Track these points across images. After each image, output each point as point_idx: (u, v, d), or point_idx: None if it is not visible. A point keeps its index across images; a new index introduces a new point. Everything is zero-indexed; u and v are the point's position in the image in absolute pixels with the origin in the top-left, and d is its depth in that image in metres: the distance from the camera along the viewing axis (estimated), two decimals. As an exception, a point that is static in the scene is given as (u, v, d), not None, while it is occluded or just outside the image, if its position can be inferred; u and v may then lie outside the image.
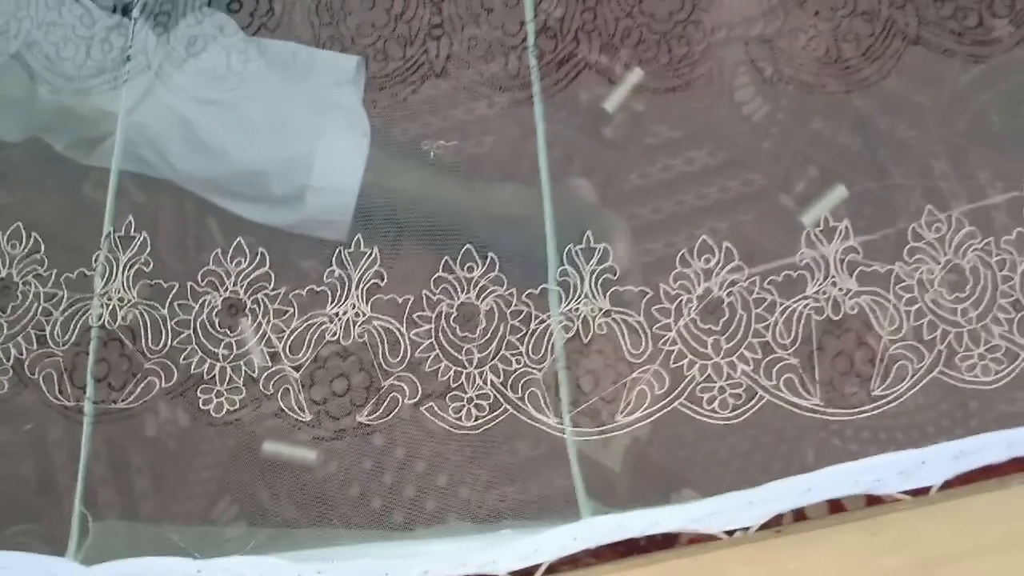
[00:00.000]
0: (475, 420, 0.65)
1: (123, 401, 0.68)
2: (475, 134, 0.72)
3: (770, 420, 0.62)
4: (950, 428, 0.61)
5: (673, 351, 0.64)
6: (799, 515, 0.59)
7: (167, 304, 0.70)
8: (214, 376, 0.68)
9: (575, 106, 0.71)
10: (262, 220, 0.73)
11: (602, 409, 0.64)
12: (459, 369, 0.65)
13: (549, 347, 0.65)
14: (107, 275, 0.71)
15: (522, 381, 0.65)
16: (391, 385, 0.66)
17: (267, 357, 0.68)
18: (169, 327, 0.69)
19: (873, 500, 0.58)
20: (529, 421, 0.64)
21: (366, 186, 0.71)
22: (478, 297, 0.67)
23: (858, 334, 0.62)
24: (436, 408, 0.65)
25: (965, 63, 0.67)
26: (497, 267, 0.67)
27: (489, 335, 0.66)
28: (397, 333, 0.67)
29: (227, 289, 0.70)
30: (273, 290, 0.69)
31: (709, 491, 0.60)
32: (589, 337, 0.65)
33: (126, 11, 0.77)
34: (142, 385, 0.68)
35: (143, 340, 0.69)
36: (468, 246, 0.68)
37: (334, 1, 0.74)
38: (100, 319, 0.70)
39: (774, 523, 0.58)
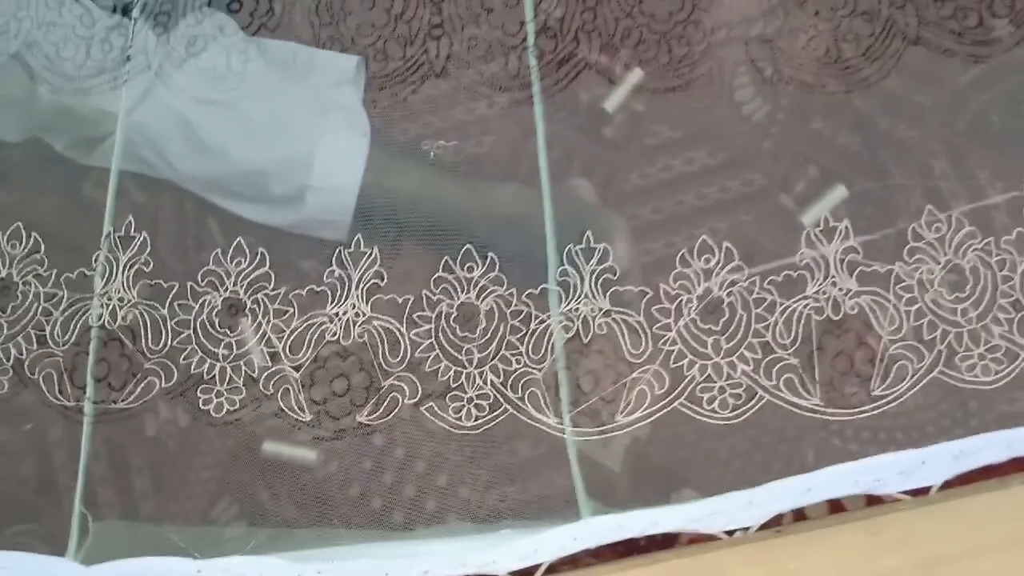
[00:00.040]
0: (475, 420, 0.65)
1: (123, 401, 0.68)
2: (475, 134, 0.72)
3: (770, 420, 0.62)
4: (950, 428, 0.61)
5: (673, 351, 0.64)
6: (799, 515, 0.59)
7: (167, 304, 0.70)
8: (214, 376, 0.68)
9: (575, 106, 0.71)
10: (262, 220, 0.73)
11: (602, 409, 0.64)
12: (459, 369, 0.65)
13: (549, 347, 0.65)
14: (107, 275, 0.71)
15: (522, 381, 0.65)
16: (391, 385, 0.66)
17: (267, 357, 0.68)
18: (169, 327, 0.69)
19: (873, 500, 0.58)
20: (529, 421, 0.64)
21: (366, 186, 0.71)
22: (478, 297, 0.67)
23: (858, 334, 0.62)
24: (436, 408, 0.65)
25: (965, 63, 0.67)
26: (497, 267, 0.67)
27: (489, 335, 0.66)
28: (397, 333, 0.67)
29: (227, 289, 0.70)
30: (273, 290, 0.69)
31: (709, 491, 0.60)
32: (589, 337, 0.65)
33: (126, 11, 0.77)
34: (142, 385, 0.68)
35: (143, 340, 0.69)
36: (468, 246, 0.67)
37: (334, 1, 0.74)
38: (100, 319, 0.70)
39: (774, 523, 0.58)
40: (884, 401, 0.61)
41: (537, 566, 0.59)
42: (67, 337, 0.70)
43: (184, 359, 0.68)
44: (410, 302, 0.67)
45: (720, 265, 0.65)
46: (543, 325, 0.65)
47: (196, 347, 0.69)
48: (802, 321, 0.63)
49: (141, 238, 0.72)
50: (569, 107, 0.71)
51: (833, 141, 0.68)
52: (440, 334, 0.66)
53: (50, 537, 0.67)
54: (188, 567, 0.61)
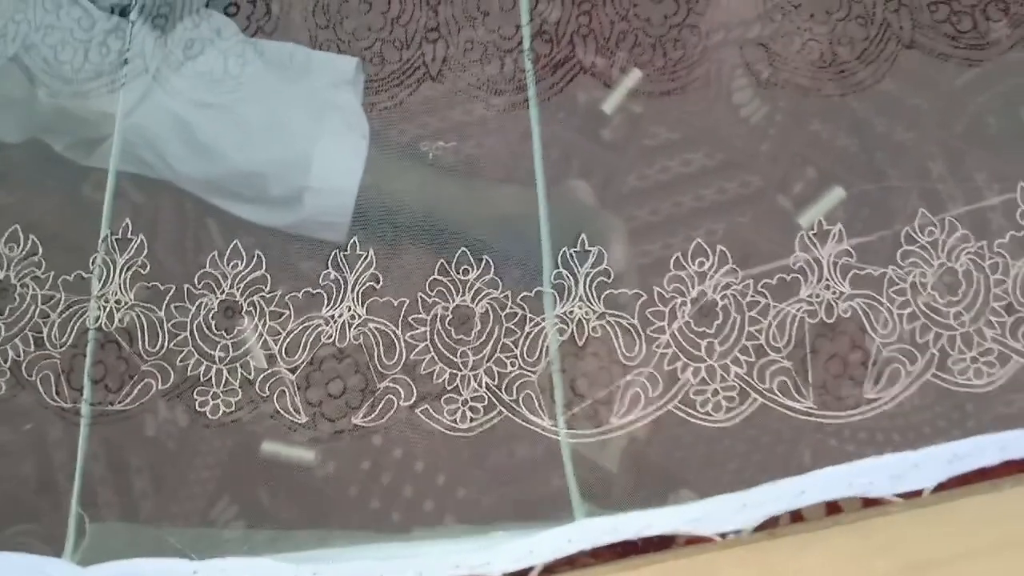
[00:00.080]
0: (470, 422, 0.65)
1: (120, 403, 0.68)
2: (473, 135, 0.72)
3: (766, 421, 0.62)
4: (947, 429, 0.61)
5: (667, 354, 0.64)
6: (795, 516, 0.59)
7: (164, 306, 0.70)
8: (210, 378, 0.68)
9: (573, 108, 0.71)
10: (261, 221, 0.73)
11: (596, 411, 0.64)
12: (454, 371, 0.66)
13: (544, 350, 0.65)
14: (104, 277, 0.71)
15: (517, 383, 0.65)
16: (387, 387, 0.66)
17: (265, 359, 0.68)
18: (166, 329, 0.69)
19: (869, 502, 0.58)
20: (523, 423, 0.64)
21: (364, 188, 0.71)
22: (473, 300, 0.67)
23: (851, 337, 0.62)
24: (431, 410, 0.65)
25: (960, 66, 0.67)
26: (492, 270, 0.67)
27: (484, 338, 0.66)
28: (393, 335, 0.67)
29: (224, 291, 0.70)
30: (269, 292, 0.69)
31: (707, 492, 0.60)
32: (584, 340, 0.65)
33: (124, 13, 0.77)
34: (139, 387, 0.68)
35: (140, 342, 0.69)
36: (464, 249, 0.68)
37: (331, 4, 0.74)
38: (97, 321, 0.70)
39: (770, 524, 0.58)
40: (877, 404, 0.61)
41: (532, 568, 0.59)
42: (64, 339, 0.70)
43: (181, 361, 0.68)
44: (406, 305, 0.67)
45: (714, 268, 0.65)
46: (538, 328, 0.65)
47: (193, 349, 0.69)
48: (796, 324, 0.63)
49: (138, 240, 0.72)
50: (567, 109, 0.71)
51: (831, 143, 0.68)
52: (435, 337, 0.66)
53: (50, 537, 0.67)
54: (184, 568, 0.61)
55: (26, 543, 0.68)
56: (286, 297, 0.69)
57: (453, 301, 0.67)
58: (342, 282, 0.68)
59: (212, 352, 0.68)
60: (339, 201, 0.71)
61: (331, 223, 0.71)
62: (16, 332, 0.71)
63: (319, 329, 0.68)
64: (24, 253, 0.73)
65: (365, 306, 0.68)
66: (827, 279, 0.63)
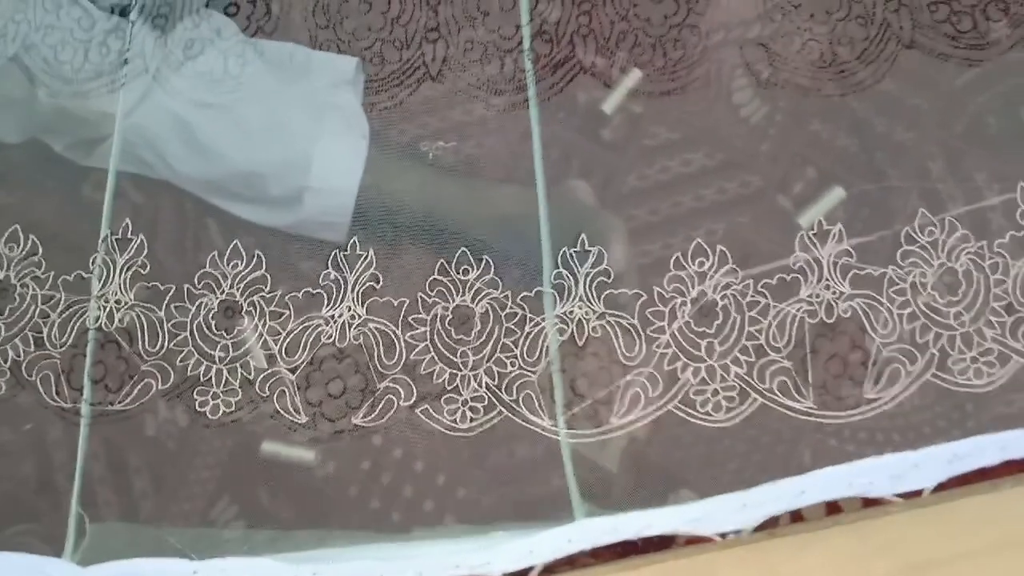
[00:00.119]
0: (470, 422, 0.65)
1: (120, 403, 0.68)
2: (474, 135, 0.72)
3: (766, 421, 0.62)
4: (947, 429, 0.61)
5: (667, 354, 0.64)
6: (795, 516, 0.59)
7: (164, 306, 0.70)
8: (210, 378, 0.68)
9: (573, 108, 0.71)
10: (261, 221, 0.73)
11: (596, 411, 0.64)
12: (454, 371, 0.66)
13: (544, 350, 0.65)
14: (104, 277, 0.71)
15: (517, 383, 0.65)
16: (387, 387, 0.66)
17: (265, 360, 0.68)
18: (166, 329, 0.69)
19: (869, 502, 0.58)
20: (523, 423, 0.64)
21: (365, 187, 0.71)
22: (473, 300, 0.67)
23: (851, 337, 0.62)
24: (431, 410, 0.65)
25: (960, 66, 0.67)
26: (492, 270, 0.67)
27: (484, 338, 0.66)
28: (393, 336, 0.67)
29: (223, 291, 0.70)
30: (269, 292, 0.69)
31: (708, 492, 0.60)
32: (584, 340, 0.65)
33: (124, 13, 0.77)
34: (139, 387, 0.68)
35: (140, 342, 0.69)
36: (464, 249, 0.68)
37: (331, 4, 0.74)
38: (97, 321, 0.70)
39: (770, 524, 0.58)
40: (877, 404, 0.61)
41: (532, 568, 0.59)
42: (64, 339, 0.70)
43: (181, 361, 0.68)
44: (406, 305, 0.67)
45: (714, 268, 0.65)
46: (538, 328, 0.65)
47: (193, 349, 0.69)
48: (796, 324, 0.63)
49: (138, 240, 0.72)
50: (567, 109, 0.71)
51: (831, 143, 0.68)
52: (435, 337, 0.66)
53: (50, 537, 0.67)
54: (184, 568, 0.61)
55: (26, 543, 0.68)
56: (286, 297, 0.69)
57: (453, 301, 0.67)
58: (342, 282, 0.68)
59: (212, 352, 0.68)
60: (339, 201, 0.71)
61: (331, 223, 0.71)
62: (16, 332, 0.71)
63: (319, 329, 0.68)
64: (24, 253, 0.73)
65: (365, 306, 0.68)
66: (827, 279, 0.63)
